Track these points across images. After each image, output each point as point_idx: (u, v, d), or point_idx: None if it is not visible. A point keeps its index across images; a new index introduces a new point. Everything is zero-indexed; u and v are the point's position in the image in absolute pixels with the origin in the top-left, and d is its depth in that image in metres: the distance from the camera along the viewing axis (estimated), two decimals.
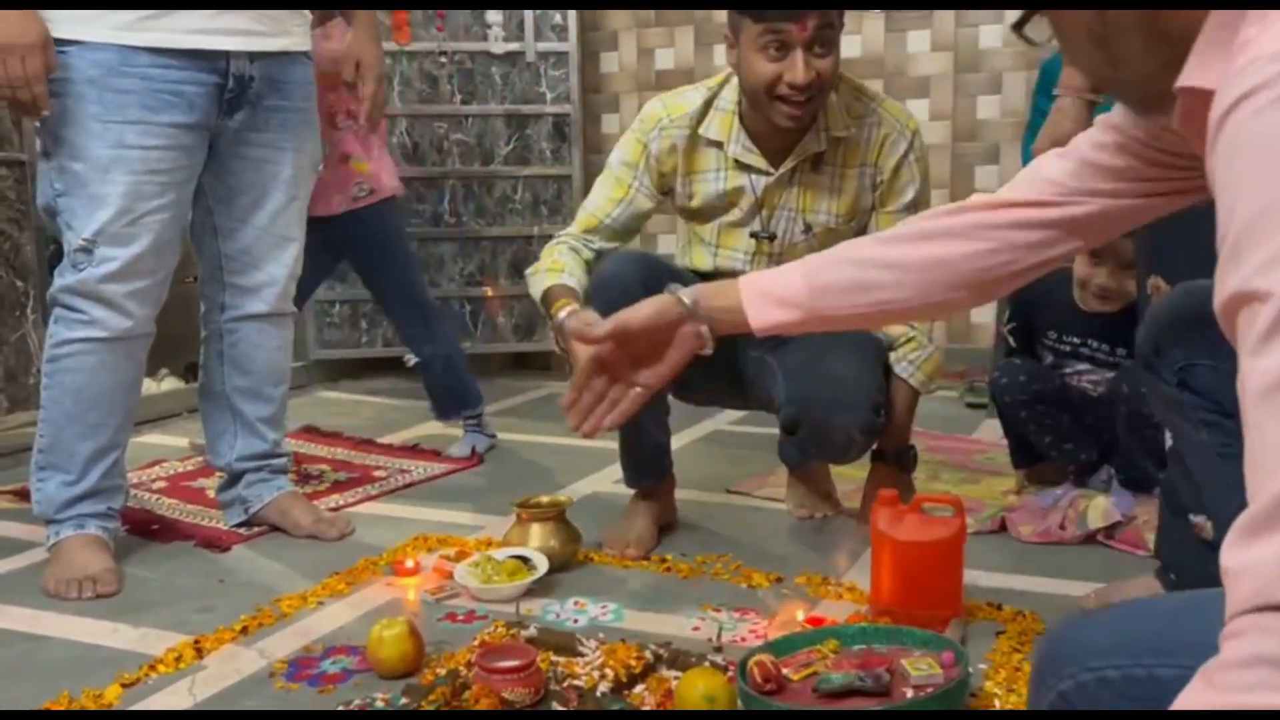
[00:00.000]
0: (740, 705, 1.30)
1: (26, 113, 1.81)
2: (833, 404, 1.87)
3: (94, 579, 1.85)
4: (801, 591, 1.82)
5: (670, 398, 2.04)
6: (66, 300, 1.87)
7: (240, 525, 2.16)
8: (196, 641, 1.63)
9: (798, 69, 1.78)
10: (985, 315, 3.92)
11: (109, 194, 1.82)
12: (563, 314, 1.77)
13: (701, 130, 1.96)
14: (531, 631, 1.59)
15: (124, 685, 1.50)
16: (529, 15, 3.74)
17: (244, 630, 1.69)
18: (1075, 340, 2.22)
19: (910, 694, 1.26)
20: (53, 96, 1.78)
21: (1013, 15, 0.82)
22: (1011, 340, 2.30)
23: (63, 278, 1.88)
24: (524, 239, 3.85)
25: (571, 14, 3.78)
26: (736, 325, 1.22)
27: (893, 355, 1.99)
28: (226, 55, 1.89)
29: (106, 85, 1.81)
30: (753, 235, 2.01)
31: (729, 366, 2.07)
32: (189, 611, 1.78)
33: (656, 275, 1.88)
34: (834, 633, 1.42)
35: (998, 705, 1.36)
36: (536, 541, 1.90)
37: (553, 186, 3.85)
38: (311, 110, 2.09)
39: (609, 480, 2.52)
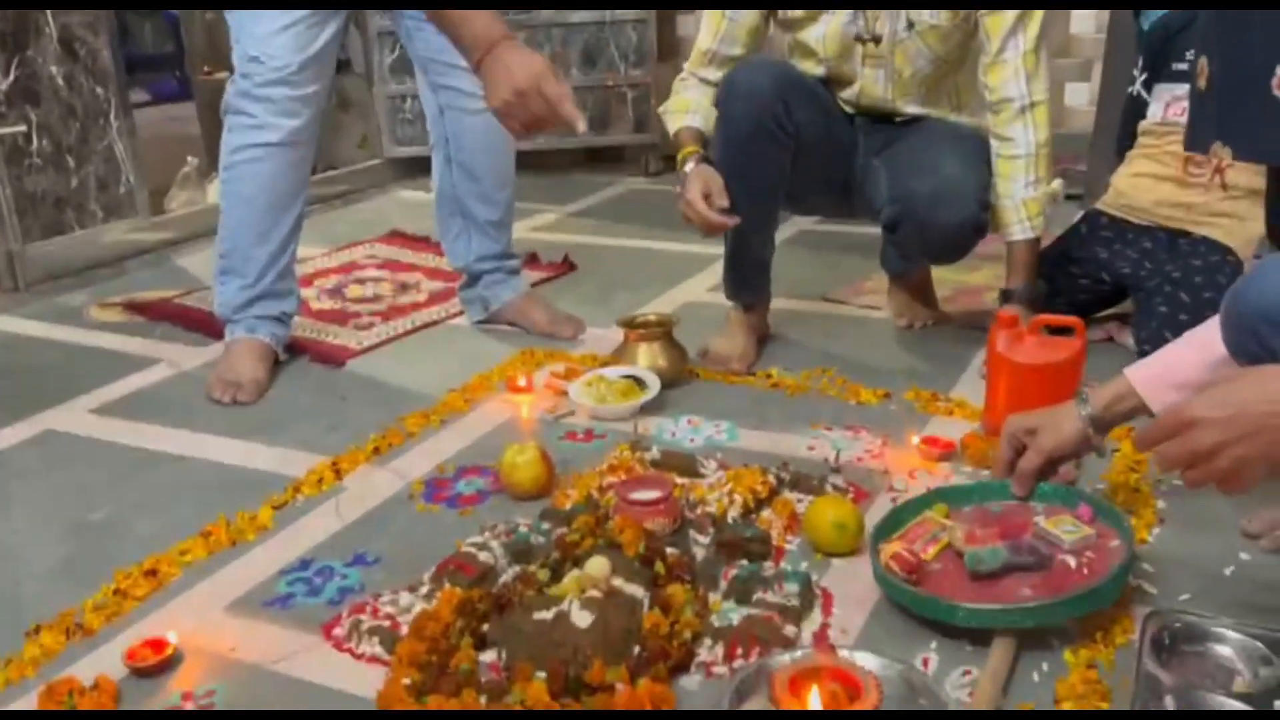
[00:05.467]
0: (890, 596, 1.27)
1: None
2: (935, 199, 1.84)
3: (240, 385, 1.99)
4: (910, 408, 1.85)
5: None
6: (238, 105, 1.99)
7: (483, 322, 2.34)
8: (334, 462, 1.71)
9: None
10: (1079, 98, 3.78)
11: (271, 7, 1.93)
12: (689, 165, 1.88)
13: None
14: (654, 454, 1.65)
15: (274, 507, 1.59)
16: None
17: (376, 450, 1.76)
18: None
19: (1073, 562, 1.23)
20: None
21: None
22: (1144, 92, 2.14)
23: (234, 85, 1.99)
24: (595, 25, 3.71)
25: None
26: (1137, 414, 1.33)
27: (1006, 220, 1.90)
28: None
29: None
30: (858, 39, 1.93)
31: (842, 176, 2.04)
32: (318, 431, 1.85)
33: (789, 83, 1.89)
34: (942, 494, 1.42)
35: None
36: (645, 360, 1.94)
37: None
38: None
39: (702, 289, 2.53)
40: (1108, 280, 2.10)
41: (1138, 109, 2.16)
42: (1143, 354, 1.97)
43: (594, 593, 1.23)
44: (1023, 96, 1.85)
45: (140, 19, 7.33)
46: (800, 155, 1.91)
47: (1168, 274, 1.98)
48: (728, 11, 1.97)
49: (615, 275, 2.71)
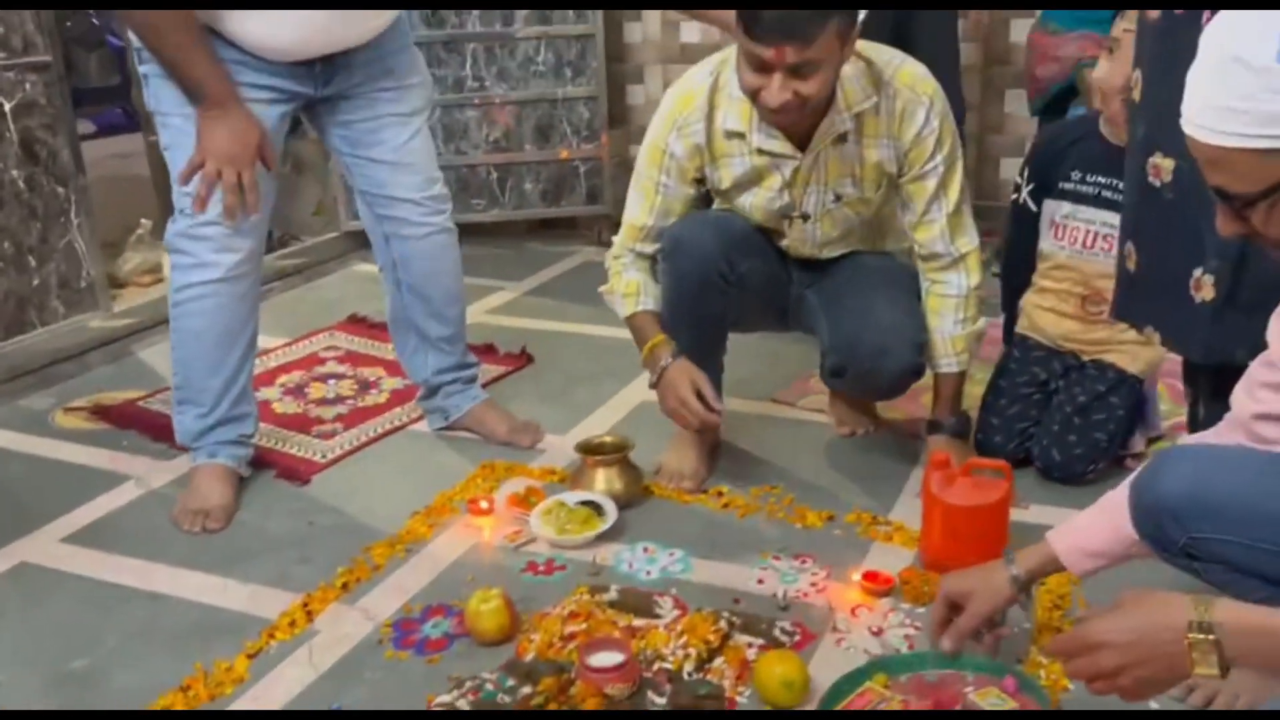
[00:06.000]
0: None
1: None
2: (877, 352, 1.96)
3: (207, 513, 2.05)
4: (853, 532, 1.97)
5: None
6: (177, 244, 2.04)
7: (443, 429, 2.43)
8: (305, 604, 1.79)
9: (772, 91, 1.75)
10: (1018, 104, 3.87)
11: None
12: (666, 360, 2.00)
13: (718, 123, 1.94)
14: (613, 595, 1.75)
15: (249, 656, 1.67)
16: None
17: (344, 586, 1.84)
18: (1101, 180, 2.12)
19: None
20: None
21: None
22: (1031, 202, 2.21)
23: (174, 224, 2.04)
24: (548, 102, 3.80)
25: None
26: (1060, 572, 1.47)
27: (934, 354, 2.03)
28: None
29: None
30: (785, 217, 2.04)
31: (778, 306, 2.15)
32: (289, 562, 1.93)
33: (730, 238, 1.98)
34: (881, 665, 1.51)
35: (1043, 675, 1.52)
36: (602, 485, 2.03)
37: (576, 46, 3.77)
38: (404, 48, 2.15)
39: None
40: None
41: (1023, 218, 2.24)
42: (1037, 470, 2.12)
43: None
44: (951, 253, 1.98)
45: (84, 51, 7.30)
46: (742, 296, 2.02)
47: (1071, 394, 2.11)
48: (661, 185, 2.01)
49: (573, 368, 2.80)
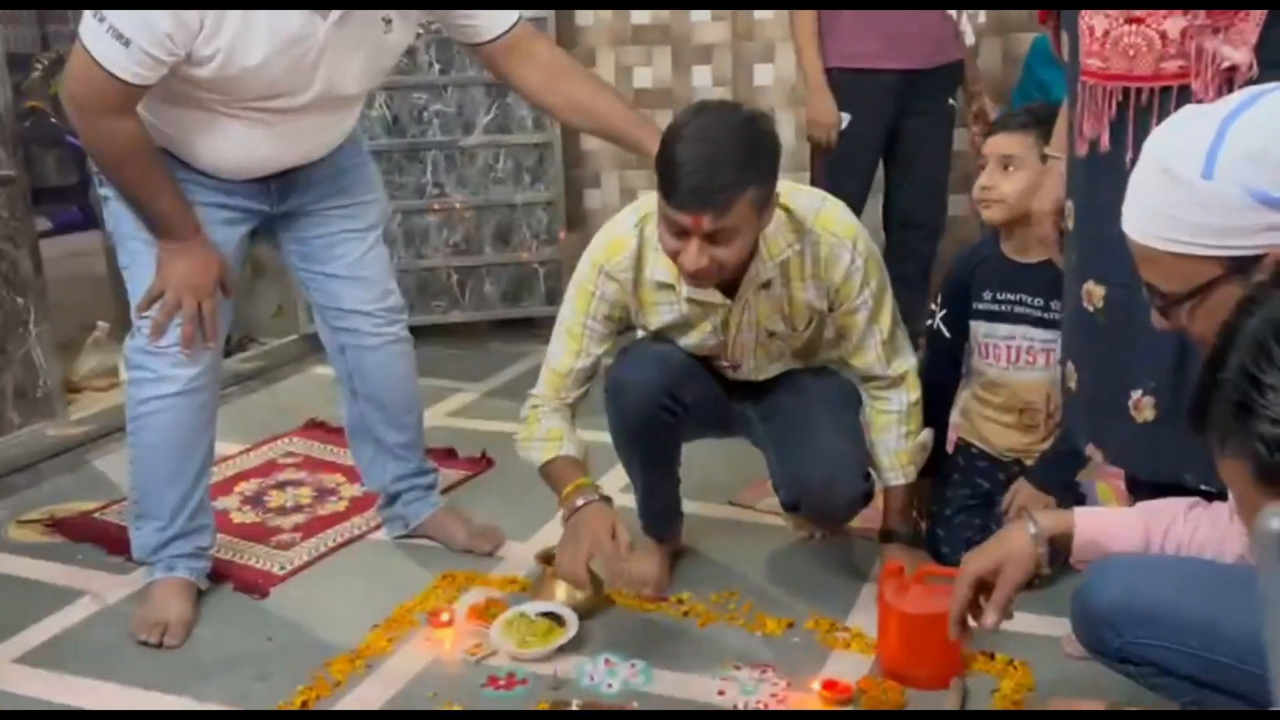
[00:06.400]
0: None
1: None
2: (827, 486, 2.00)
3: (165, 627, 2.03)
4: (811, 639, 1.99)
5: None
6: (136, 360, 2.06)
7: (402, 537, 2.43)
8: None
9: (689, 256, 1.74)
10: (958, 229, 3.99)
11: None
12: (582, 499, 1.91)
13: (647, 274, 1.94)
14: (574, 708, 1.75)
15: None
16: None
17: (304, 704, 1.83)
18: (1010, 297, 2.17)
19: None
20: None
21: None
22: (945, 330, 2.27)
23: (132, 339, 2.06)
24: (508, 207, 3.88)
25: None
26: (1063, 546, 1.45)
27: (881, 468, 2.09)
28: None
29: None
30: (718, 367, 2.09)
31: (721, 421, 2.19)
32: (247, 680, 1.91)
33: (672, 372, 2.00)
34: None
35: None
36: (563, 595, 2.04)
37: (534, 154, 3.86)
38: (360, 165, 2.21)
39: (616, 487, 2.63)
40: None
41: (938, 343, 2.28)
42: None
43: None
44: (889, 374, 2.05)
45: (43, 150, 7.32)
46: (688, 420, 2.05)
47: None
48: (587, 327, 1.97)
49: (533, 471, 2.80)
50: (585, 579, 1.87)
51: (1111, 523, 1.44)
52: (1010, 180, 2.10)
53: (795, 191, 1.95)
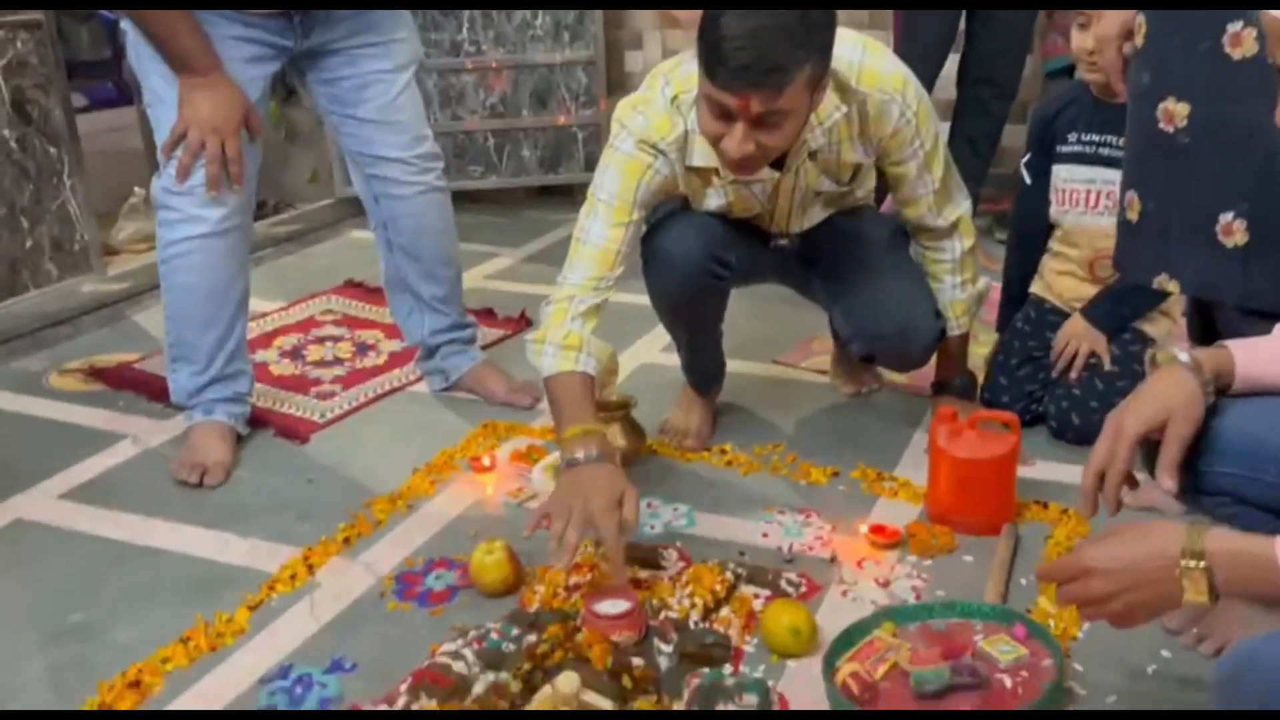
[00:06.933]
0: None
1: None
2: (903, 336, 1.96)
3: (205, 469, 2.03)
4: (857, 487, 1.95)
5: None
6: (163, 200, 2.02)
7: (443, 390, 2.39)
8: (306, 557, 1.77)
9: (734, 142, 1.58)
10: (1015, 140, 3.89)
11: None
12: (592, 451, 1.60)
13: (688, 161, 1.80)
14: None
15: (250, 608, 1.65)
16: None
17: (346, 541, 1.82)
18: (1096, 138, 2.09)
19: (1009, 682, 1.33)
20: None
21: None
22: (1027, 175, 2.20)
23: (158, 179, 2.01)
24: (545, 67, 3.76)
25: None
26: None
27: (945, 319, 2.01)
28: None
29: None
30: (774, 247, 2.01)
31: (769, 274, 2.13)
32: (289, 520, 1.90)
33: (714, 239, 1.89)
34: (889, 614, 1.50)
35: (1052, 625, 1.51)
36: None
37: (573, 11, 3.72)
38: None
39: (657, 349, 2.60)
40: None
41: (1024, 191, 2.22)
42: (1050, 429, 2.09)
43: (566, 709, 1.31)
44: (940, 223, 1.95)
45: (77, 24, 7.22)
46: (734, 279, 1.97)
47: (1089, 361, 2.09)
48: (637, 205, 1.78)
49: None
50: (572, 561, 1.54)
51: (1274, 353, 1.25)
52: (1079, 36, 2.03)
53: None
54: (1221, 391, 1.26)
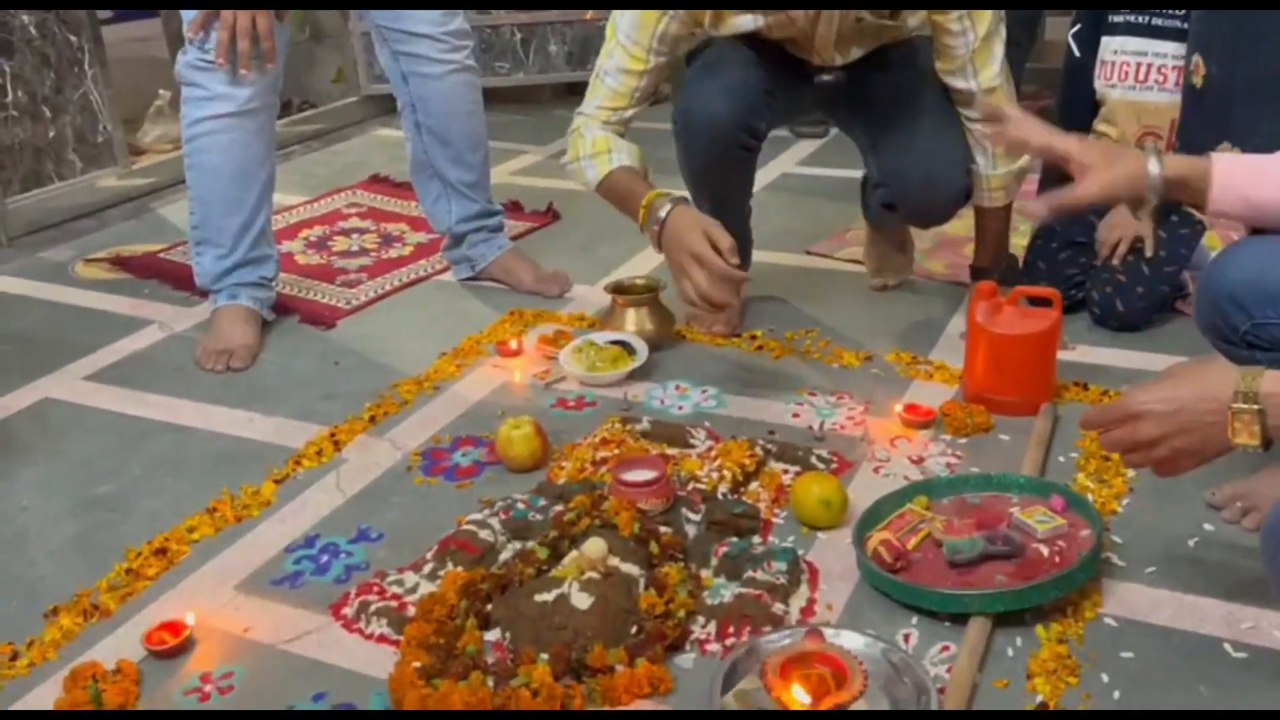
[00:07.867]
0: (874, 585, 1.31)
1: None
2: (927, 183, 1.89)
3: (231, 352, 2.01)
4: (891, 370, 1.91)
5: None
6: (189, 76, 1.98)
7: (469, 279, 2.36)
8: (332, 433, 1.76)
9: None
10: (1057, 32, 3.76)
11: None
12: (666, 209, 1.70)
13: None
14: (645, 425, 1.70)
15: (276, 481, 1.64)
16: None
17: (372, 419, 1.80)
18: (1148, 10, 2.01)
19: (1045, 551, 1.30)
20: None
21: None
22: (1075, 47, 2.13)
23: (184, 55, 1.97)
24: None
25: None
26: (1189, 200, 1.25)
27: (974, 190, 1.94)
28: None
29: None
30: (818, 83, 1.92)
31: (803, 117, 2.06)
32: (314, 399, 1.89)
33: (745, 101, 1.83)
34: (922, 487, 1.47)
35: (1091, 499, 1.47)
36: (633, 325, 1.98)
37: None
38: None
39: None
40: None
41: (1071, 64, 2.14)
42: (1092, 315, 2.03)
43: (592, 574, 1.30)
44: (975, 89, 1.85)
45: None
46: (779, 118, 1.93)
47: (1134, 246, 2.02)
48: (653, 50, 1.78)
49: (599, 224, 2.71)
50: (727, 299, 1.68)
51: (1256, 168, 1.22)
52: None
53: None
54: (1199, 206, 1.24)
